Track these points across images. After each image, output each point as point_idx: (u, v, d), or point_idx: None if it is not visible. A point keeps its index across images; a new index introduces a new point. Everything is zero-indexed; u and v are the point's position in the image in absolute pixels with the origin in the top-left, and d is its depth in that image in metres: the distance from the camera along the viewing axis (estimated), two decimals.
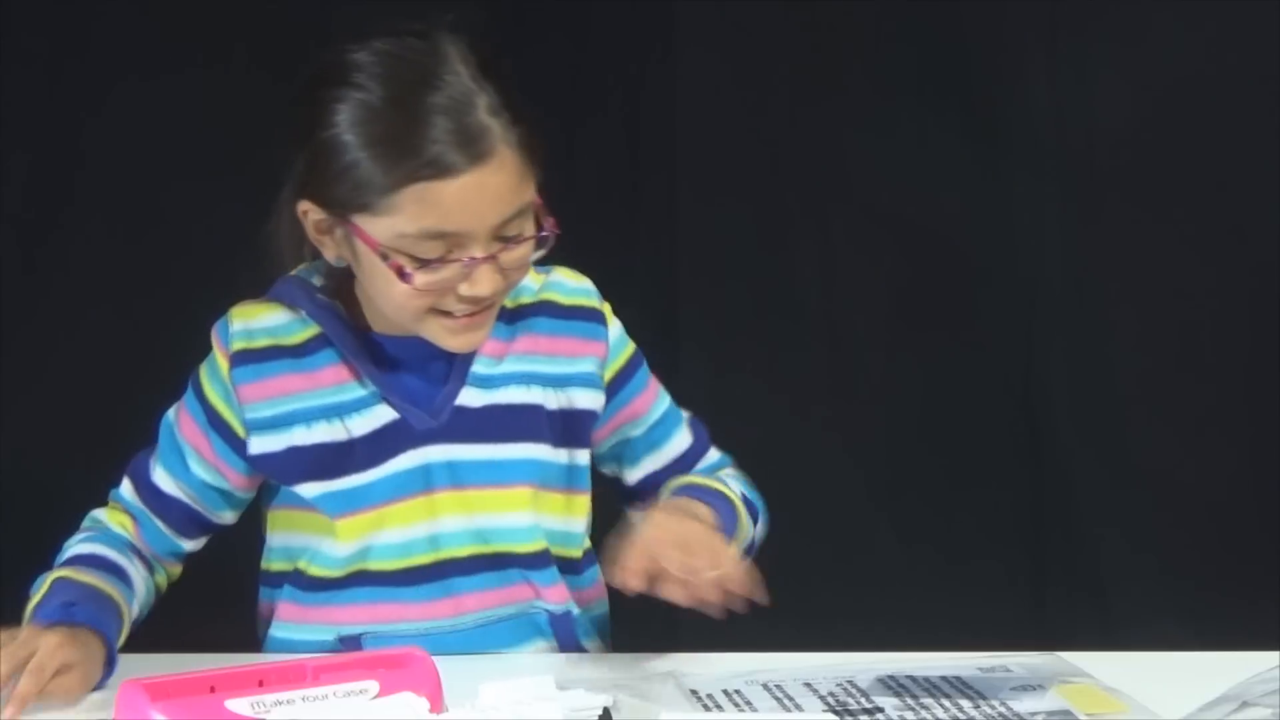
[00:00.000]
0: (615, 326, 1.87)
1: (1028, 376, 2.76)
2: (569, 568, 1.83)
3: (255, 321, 1.78)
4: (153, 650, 1.78)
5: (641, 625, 1.86)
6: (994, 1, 2.73)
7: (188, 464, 1.80)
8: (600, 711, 1.48)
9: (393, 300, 1.70)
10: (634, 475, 1.90)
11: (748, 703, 1.59)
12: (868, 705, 1.57)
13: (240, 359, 1.76)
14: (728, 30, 2.72)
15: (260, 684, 1.43)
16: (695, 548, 1.65)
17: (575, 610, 1.82)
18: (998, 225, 2.76)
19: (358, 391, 1.77)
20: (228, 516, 1.83)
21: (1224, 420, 2.74)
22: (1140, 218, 2.75)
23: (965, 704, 1.57)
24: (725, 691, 1.62)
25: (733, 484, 1.87)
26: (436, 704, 1.46)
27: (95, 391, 2.60)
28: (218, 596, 1.86)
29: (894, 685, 1.62)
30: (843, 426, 2.75)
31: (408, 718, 1.43)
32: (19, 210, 2.60)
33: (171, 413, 1.83)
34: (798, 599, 2.66)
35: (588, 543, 1.86)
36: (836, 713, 1.54)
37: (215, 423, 1.77)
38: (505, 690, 1.47)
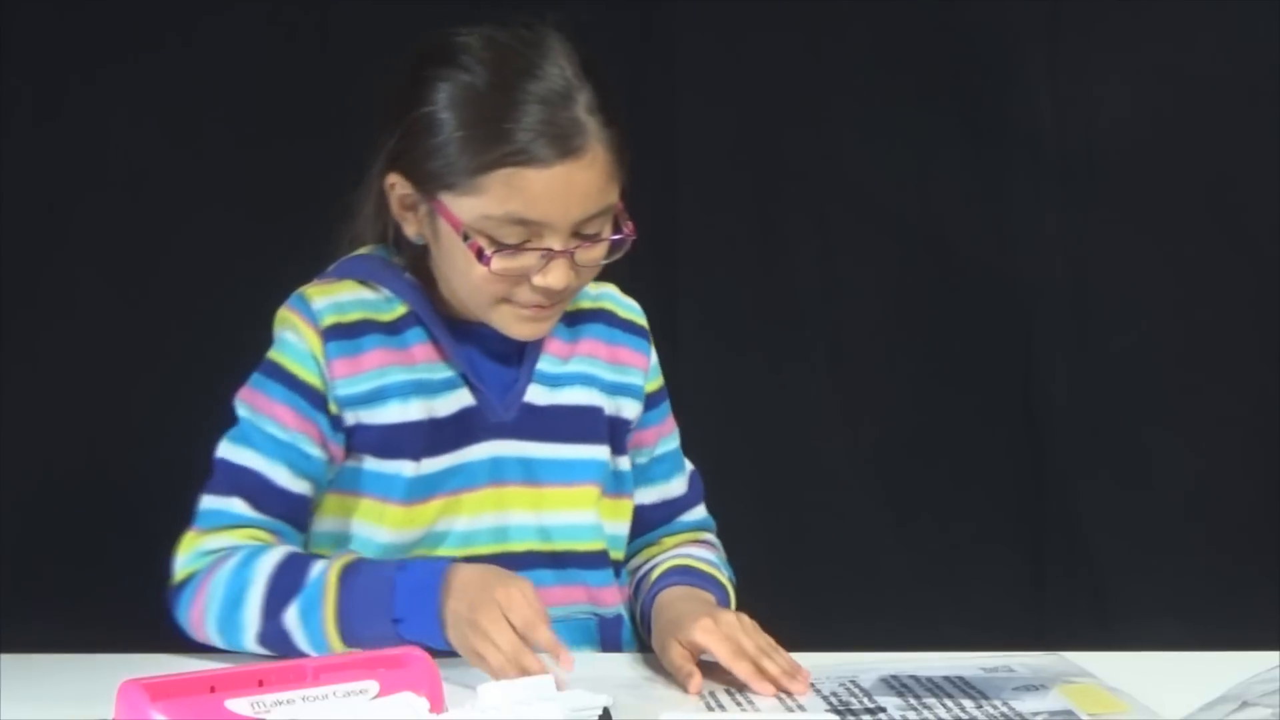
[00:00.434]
0: (654, 353, 1.91)
1: (1028, 376, 2.76)
2: (616, 571, 1.85)
3: (340, 297, 1.78)
4: (153, 650, 1.79)
5: None
6: (994, 1, 2.73)
7: (307, 453, 1.75)
8: (600, 711, 1.48)
9: (469, 282, 1.72)
10: None
11: (750, 701, 1.59)
12: (870, 705, 1.57)
13: (333, 333, 1.75)
14: (727, 30, 2.72)
15: (260, 684, 1.42)
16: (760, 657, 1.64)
17: (624, 614, 1.84)
18: (998, 226, 2.76)
19: (445, 372, 1.79)
20: None
21: (1224, 420, 2.74)
22: (1141, 218, 2.74)
23: (967, 704, 1.57)
24: (729, 690, 1.62)
25: (722, 569, 1.87)
26: (437, 704, 1.46)
27: (96, 391, 2.61)
28: None
29: (896, 685, 1.62)
30: (843, 426, 2.75)
31: (408, 718, 1.42)
32: (19, 210, 2.60)
33: (251, 414, 1.76)
34: (798, 599, 2.67)
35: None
36: (839, 712, 1.54)
37: (316, 402, 1.75)
38: (505, 690, 1.47)
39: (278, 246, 2.40)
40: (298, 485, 1.75)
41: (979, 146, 2.74)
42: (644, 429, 1.89)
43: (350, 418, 1.75)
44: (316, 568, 1.67)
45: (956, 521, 2.74)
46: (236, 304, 2.48)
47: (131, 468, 2.59)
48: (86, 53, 2.60)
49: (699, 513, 1.93)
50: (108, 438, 2.61)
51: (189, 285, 2.60)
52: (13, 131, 2.58)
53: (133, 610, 2.38)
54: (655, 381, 1.90)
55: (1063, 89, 2.73)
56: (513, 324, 1.75)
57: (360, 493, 1.77)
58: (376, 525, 1.76)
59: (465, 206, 1.69)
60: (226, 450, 1.76)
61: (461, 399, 1.79)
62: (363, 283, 1.79)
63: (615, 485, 1.85)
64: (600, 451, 1.83)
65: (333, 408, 1.75)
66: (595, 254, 1.74)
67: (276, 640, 1.67)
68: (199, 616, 1.71)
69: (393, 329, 1.78)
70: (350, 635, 1.63)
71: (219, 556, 1.71)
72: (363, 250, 1.84)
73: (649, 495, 1.89)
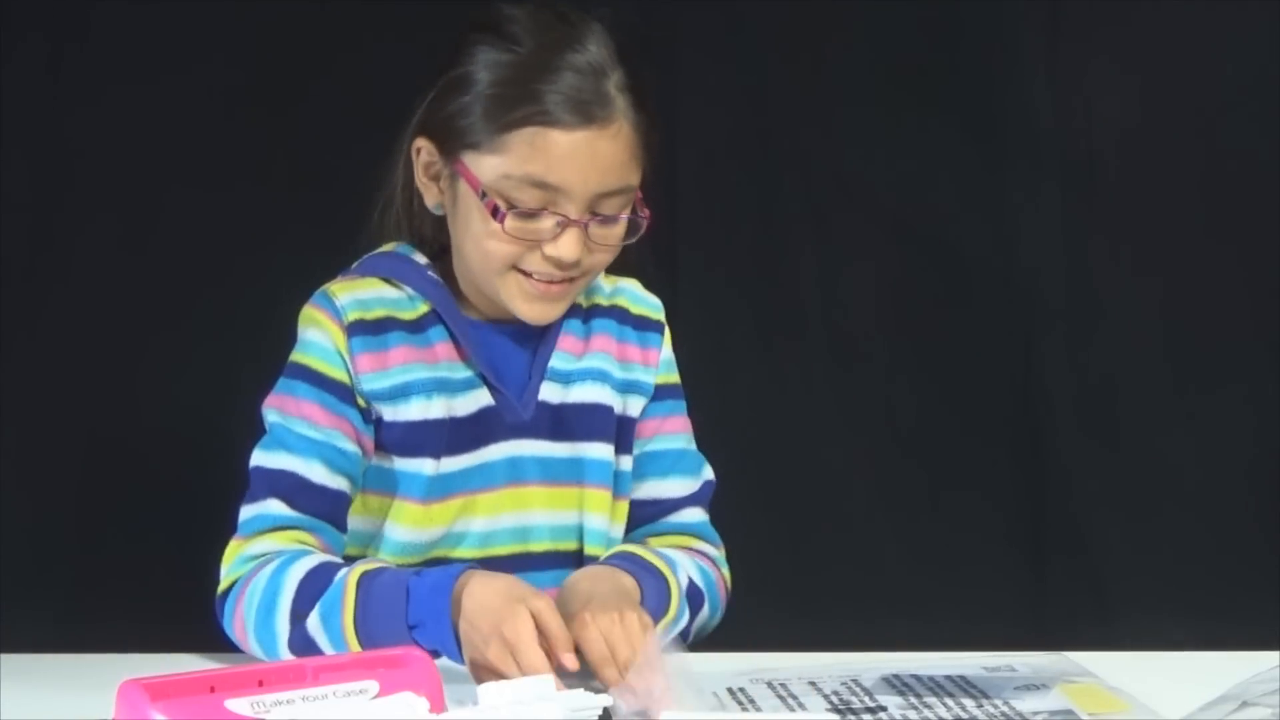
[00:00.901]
0: (669, 349, 1.91)
1: (1028, 376, 2.76)
2: None
3: (363, 294, 1.78)
4: (153, 650, 1.79)
5: None
6: (994, 1, 2.73)
7: (342, 449, 1.74)
8: (600, 711, 1.48)
9: (481, 246, 1.73)
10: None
11: (751, 701, 1.59)
12: (871, 704, 1.57)
13: (356, 330, 1.76)
14: (728, 30, 2.72)
15: (260, 684, 1.42)
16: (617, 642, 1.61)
17: None
18: (998, 225, 2.76)
19: (465, 372, 1.79)
20: None
21: (1224, 420, 2.74)
22: (1140, 218, 2.74)
23: (968, 703, 1.57)
24: (730, 690, 1.62)
25: (683, 570, 1.81)
26: (437, 704, 1.46)
27: (96, 391, 2.61)
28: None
29: (898, 684, 1.62)
30: (843, 426, 2.75)
31: (408, 718, 1.42)
32: (19, 209, 2.60)
33: (281, 417, 1.75)
34: (798, 598, 2.68)
35: None
36: (839, 711, 1.54)
37: (345, 397, 1.75)
38: (505, 690, 1.47)
39: (285, 248, 2.42)
40: (335, 481, 1.74)
41: (979, 146, 2.74)
42: (643, 421, 1.88)
43: (376, 412, 1.75)
44: (340, 573, 1.67)
45: (956, 521, 2.74)
46: (238, 302, 2.50)
47: (133, 468, 2.59)
48: (91, 52, 2.59)
49: (693, 515, 1.90)
50: (108, 438, 2.61)
51: (193, 283, 2.60)
52: (13, 131, 2.57)
53: (133, 610, 2.39)
54: (665, 376, 1.90)
55: (1063, 89, 2.73)
56: (520, 302, 1.75)
57: (381, 491, 1.77)
58: (396, 523, 1.76)
59: (487, 165, 1.71)
60: (260, 458, 1.75)
61: (480, 399, 1.79)
62: (386, 280, 1.80)
63: (617, 486, 1.84)
64: (608, 451, 1.83)
65: (362, 401, 1.75)
66: (610, 233, 1.74)
67: (304, 647, 1.66)
68: (240, 624, 1.70)
69: (416, 327, 1.79)
70: (369, 641, 1.63)
71: (260, 562, 1.70)
72: (386, 248, 1.84)
73: (639, 491, 1.88)
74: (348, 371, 1.75)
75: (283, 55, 2.61)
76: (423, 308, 1.79)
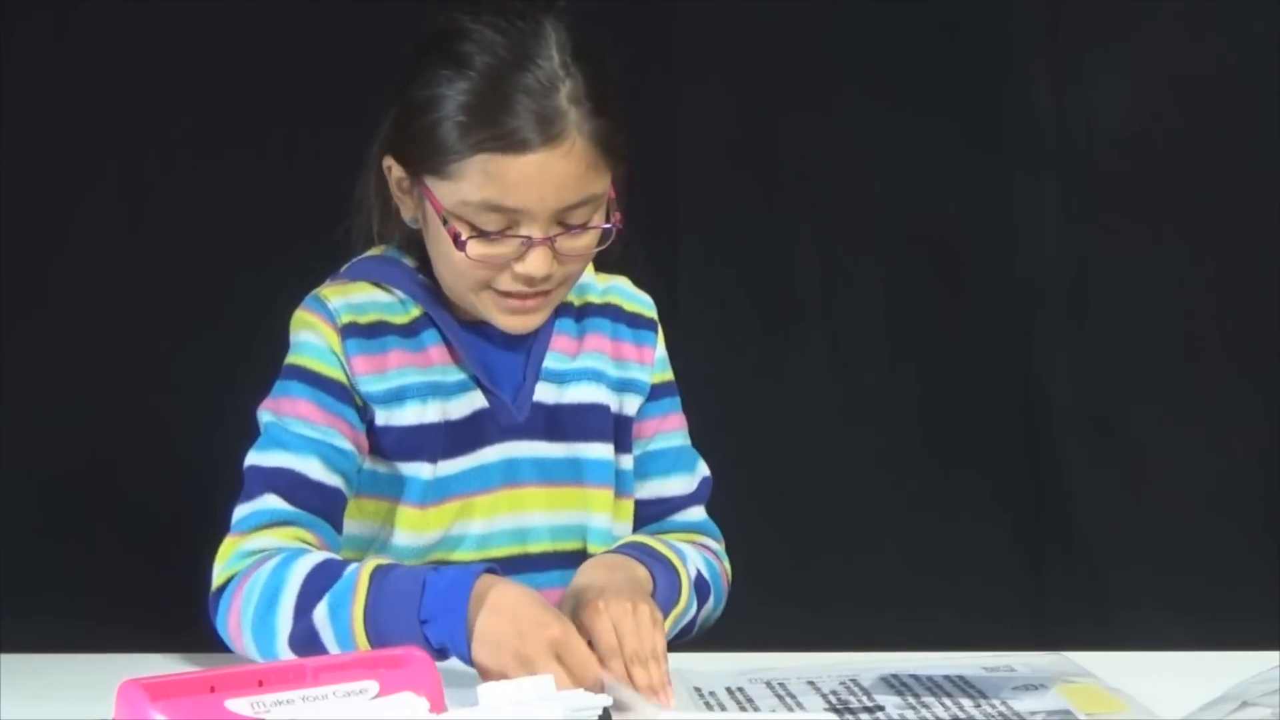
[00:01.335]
0: (663, 346, 1.91)
1: (1028, 376, 2.76)
2: None
3: (355, 298, 1.78)
4: (153, 650, 1.79)
5: None
6: (994, 1, 2.73)
7: (338, 447, 1.74)
8: (600, 711, 1.48)
9: (452, 267, 1.73)
10: None
11: (750, 700, 1.59)
12: (869, 704, 1.57)
13: (350, 331, 1.76)
14: (728, 30, 2.72)
15: (260, 684, 1.42)
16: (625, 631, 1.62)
17: None
18: (998, 225, 2.76)
19: (458, 375, 1.79)
20: None
21: (1224, 420, 2.74)
22: (1140, 217, 2.74)
23: (966, 703, 1.57)
24: (729, 689, 1.62)
25: (691, 562, 1.83)
26: (437, 704, 1.46)
27: (96, 391, 2.61)
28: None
29: (897, 684, 1.62)
30: (843, 426, 2.75)
31: (408, 718, 1.42)
32: (15, 212, 2.60)
33: (276, 418, 1.75)
34: (797, 597, 2.68)
35: None
36: (837, 711, 1.54)
37: (343, 397, 1.75)
38: (505, 690, 1.47)
39: (283, 248, 2.41)
40: (331, 479, 1.73)
41: (979, 146, 2.74)
42: (643, 420, 1.88)
43: (371, 413, 1.76)
44: (350, 567, 1.66)
45: (956, 520, 2.74)
46: (239, 307, 2.50)
47: (132, 468, 2.59)
48: (87, 52, 2.60)
49: (695, 514, 1.91)
50: (108, 438, 2.61)
51: (192, 285, 2.60)
52: (13, 131, 2.58)
53: (133, 610, 2.40)
54: (661, 374, 1.90)
55: (1063, 89, 2.73)
56: (498, 315, 1.76)
57: (378, 495, 1.77)
58: (396, 528, 1.76)
59: (445, 191, 1.71)
60: (255, 458, 1.74)
61: (474, 401, 1.79)
62: (376, 284, 1.79)
63: (618, 485, 1.84)
64: (607, 451, 1.83)
65: (360, 401, 1.76)
66: (579, 243, 1.74)
67: (307, 641, 1.64)
68: (236, 621, 1.68)
69: (408, 331, 1.79)
70: (377, 635, 1.61)
71: (259, 558, 1.69)
72: (374, 251, 1.84)
73: (642, 491, 1.88)
74: (344, 371, 1.75)
75: (279, 56, 2.61)
76: (414, 311, 1.79)
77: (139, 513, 2.57)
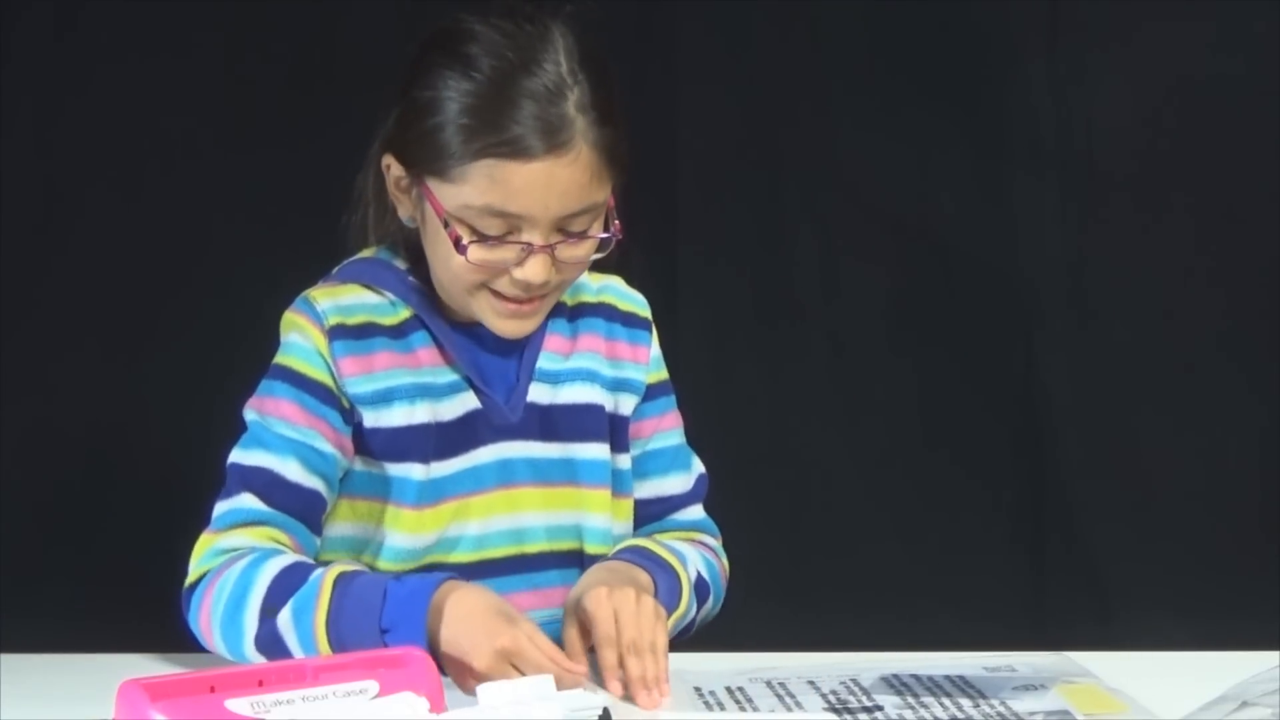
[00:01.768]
0: (657, 345, 1.90)
1: (1028, 376, 2.76)
2: None
3: (343, 300, 1.78)
4: (153, 650, 1.79)
5: None
6: (994, 1, 2.73)
7: (318, 449, 1.73)
8: (600, 711, 1.48)
9: (449, 269, 1.73)
10: None
11: (749, 700, 1.59)
12: (868, 704, 1.57)
13: (338, 333, 1.75)
14: (728, 30, 2.72)
15: (260, 684, 1.42)
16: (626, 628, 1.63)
17: None
18: (998, 225, 2.76)
19: (449, 376, 1.79)
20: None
21: (1224, 420, 2.74)
22: (1140, 217, 2.74)
23: (965, 703, 1.57)
24: (728, 689, 1.62)
25: (692, 564, 1.83)
26: (437, 704, 1.46)
27: (96, 391, 2.61)
28: None
29: (896, 684, 1.62)
30: (843, 426, 2.75)
31: (408, 718, 1.42)
32: (19, 210, 2.60)
33: (260, 417, 1.75)
34: (797, 597, 2.68)
35: None
36: (836, 710, 1.54)
37: (327, 399, 1.74)
38: (505, 690, 1.47)
39: (280, 249, 2.41)
40: (310, 481, 1.73)
41: (979, 146, 2.74)
42: (640, 420, 1.88)
43: (358, 416, 1.76)
44: (316, 572, 1.66)
45: (957, 520, 2.74)
46: (238, 306, 2.49)
47: (132, 468, 2.59)
48: (87, 52, 2.60)
49: (695, 513, 1.91)
50: (108, 438, 2.61)
51: (190, 286, 2.60)
52: (13, 132, 2.58)
53: (133, 610, 2.39)
54: (656, 374, 1.89)
55: (1063, 89, 2.73)
56: (494, 319, 1.75)
57: (371, 497, 1.77)
58: (392, 530, 1.76)
59: (448, 194, 1.70)
60: (236, 455, 1.75)
61: (466, 402, 1.79)
62: (367, 286, 1.79)
63: (616, 485, 1.84)
64: (603, 451, 1.83)
65: (346, 403, 1.75)
66: (579, 251, 1.73)
67: (271, 644, 1.65)
68: (206, 618, 1.69)
69: (397, 332, 1.78)
70: (339, 642, 1.62)
71: (231, 557, 1.69)
72: (366, 253, 1.84)
73: (642, 490, 1.88)
74: (330, 373, 1.75)
75: (278, 56, 2.61)
76: (404, 313, 1.79)
77: (139, 513, 2.57)
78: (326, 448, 1.74)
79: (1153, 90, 2.73)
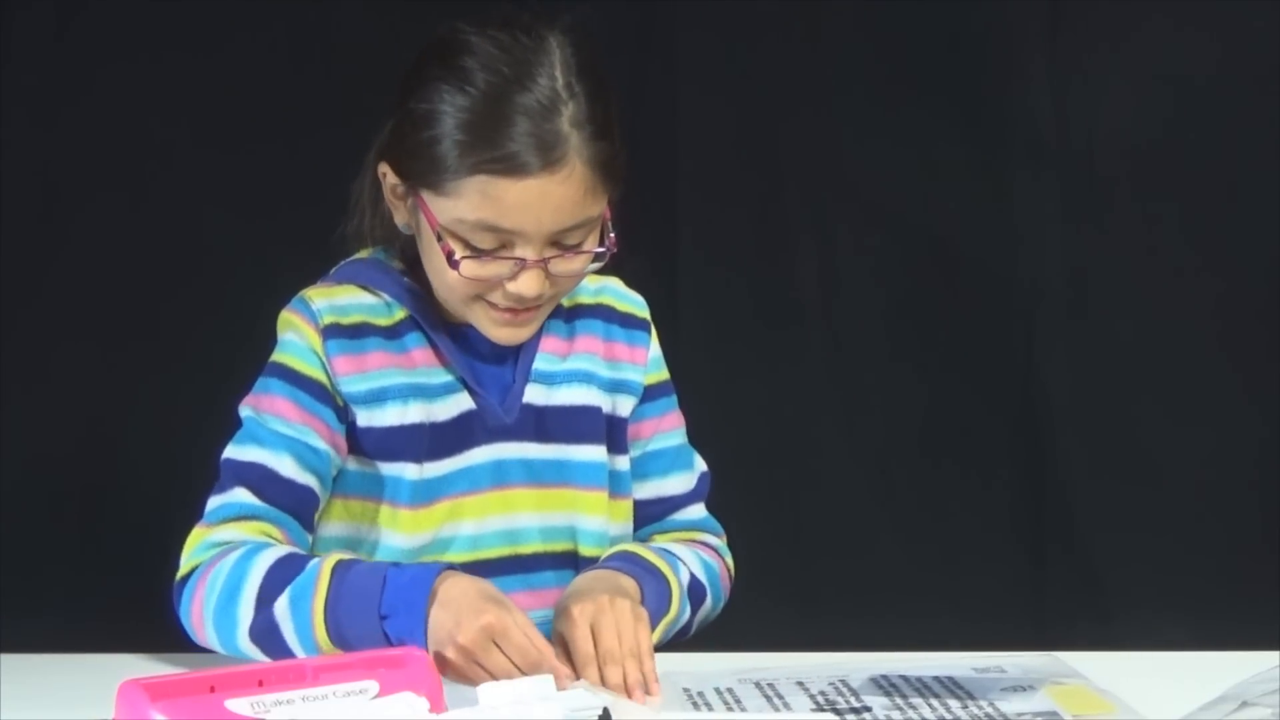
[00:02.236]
0: (656, 346, 1.90)
1: (1028, 376, 2.76)
2: None
3: (339, 300, 1.78)
4: (153, 650, 1.79)
5: None
6: (994, 1, 2.73)
7: (312, 446, 1.74)
8: (600, 711, 1.48)
9: (445, 281, 1.73)
10: None
11: (738, 701, 1.59)
12: (856, 705, 1.57)
13: (332, 332, 1.76)
14: (728, 30, 2.72)
15: (260, 684, 1.43)
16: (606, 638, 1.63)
17: None
18: (998, 226, 2.76)
19: (444, 376, 1.79)
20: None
21: (1224, 420, 2.74)
22: (1140, 218, 2.74)
23: (953, 704, 1.57)
24: (717, 690, 1.62)
25: (685, 567, 1.82)
26: (437, 704, 1.46)
27: (96, 391, 2.61)
28: None
29: (885, 685, 1.63)
30: (843, 426, 2.75)
31: (408, 718, 1.43)
32: (19, 210, 2.60)
33: (254, 413, 1.76)
34: (796, 596, 2.68)
35: None
36: (824, 711, 1.54)
37: (322, 397, 1.75)
38: (505, 690, 1.47)
39: (279, 249, 2.41)
40: (303, 477, 1.74)
41: (979, 146, 2.74)
42: (640, 421, 1.88)
43: (352, 415, 1.76)
44: (313, 561, 1.67)
45: (956, 520, 2.74)
46: (237, 305, 2.49)
47: (132, 468, 2.59)
48: (87, 53, 2.60)
49: (696, 512, 1.91)
50: (108, 438, 2.61)
51: (190, 286, 2.60)
52: (13, 132, 2.58)
53: (133, 610, 2.39)
54: (655, 374, 1.89)
55: (1063, 89, 2.73)
56: (489, 327, 1.76)
57: (364, 496, 1.77)
58: (390, 529, 1.76)
59: (442, 207, 1.70)
60: (230, 451, 1.76)
61: (461, 403, 1.79)
62: (363, 287, 1.80)
63: (614, 486, 1.84)
64: (600, 452, 1.83)
65: (340, 401, 1.75)
66: (573, 266, 1.74)
67: (266, 633, 1.65)
68: (199, 610, 1.69)
69: (392, 333, 1.79)
70: (336, 629, 1.62)
71: (223, 549, 1.70)
72: (362, 254, 1.84)
73: (643, 491, 1.88)
74: (324, 371, 1.75)
75: (278, 58, 2.61)
76: (399, 314, 1.79)
77: (139, 513, 2.57)
78: (320, 445, 1.74)
79: (1153, 90, 2.73)
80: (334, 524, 1.78)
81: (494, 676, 1.55)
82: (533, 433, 1.80)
